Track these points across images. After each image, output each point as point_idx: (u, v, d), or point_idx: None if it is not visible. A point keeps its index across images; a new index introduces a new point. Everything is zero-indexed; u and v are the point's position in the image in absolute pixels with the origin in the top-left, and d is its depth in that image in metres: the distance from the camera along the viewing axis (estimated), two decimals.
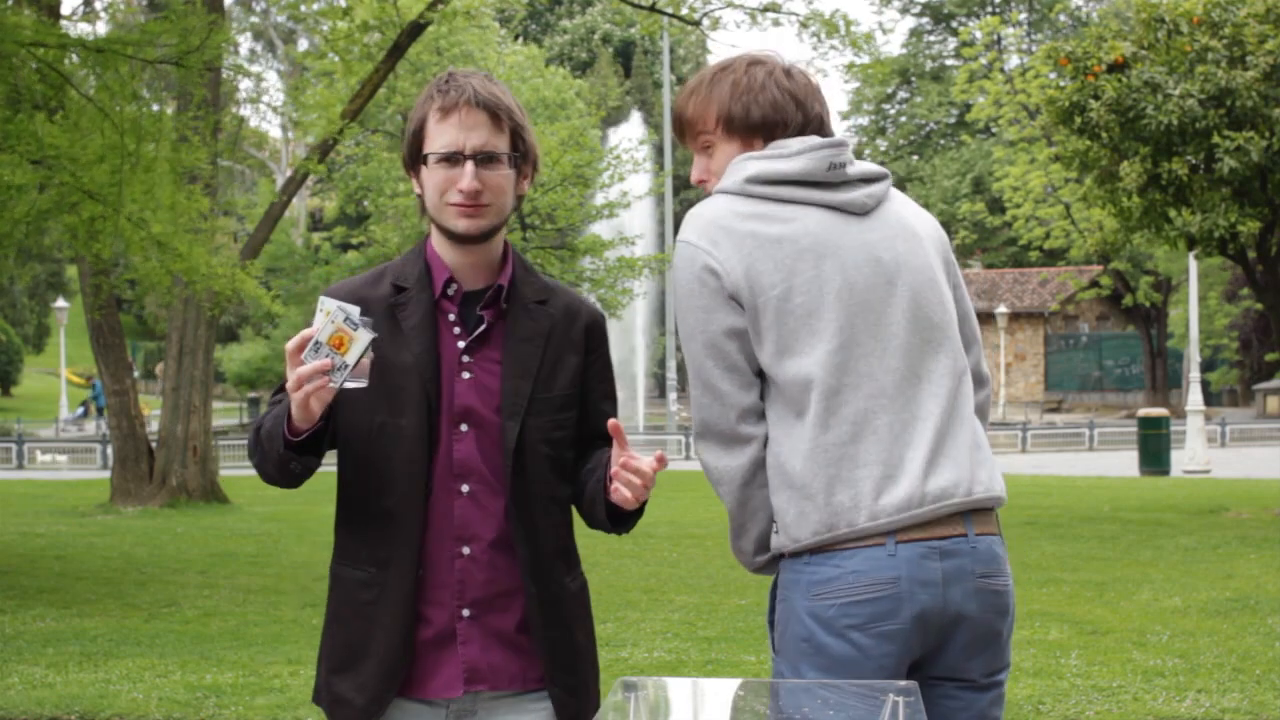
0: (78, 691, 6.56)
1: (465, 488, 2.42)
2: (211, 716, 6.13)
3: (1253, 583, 9.66)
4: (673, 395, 37.43)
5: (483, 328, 2.45)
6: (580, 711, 2.50)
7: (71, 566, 11.41)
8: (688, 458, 31.17)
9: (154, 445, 17.61)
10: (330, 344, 2.20)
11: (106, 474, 20.00)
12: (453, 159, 2.39)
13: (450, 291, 2.46)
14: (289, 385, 2.24)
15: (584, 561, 2.60)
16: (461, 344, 2.44)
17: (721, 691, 2.44)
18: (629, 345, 40.92)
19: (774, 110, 2.53)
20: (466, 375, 2.43)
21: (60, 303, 44.68)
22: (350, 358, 2.21)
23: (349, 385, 2.23)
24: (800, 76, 2.57)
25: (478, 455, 2.42)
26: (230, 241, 17.85)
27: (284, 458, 2.33)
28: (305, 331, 2.22)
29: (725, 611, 8.83)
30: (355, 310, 2.22)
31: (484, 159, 2.39)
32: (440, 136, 2.40)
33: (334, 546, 2.53)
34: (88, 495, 18.54)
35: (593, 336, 2.55)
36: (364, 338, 2.20)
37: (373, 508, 2.44)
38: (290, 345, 2.23)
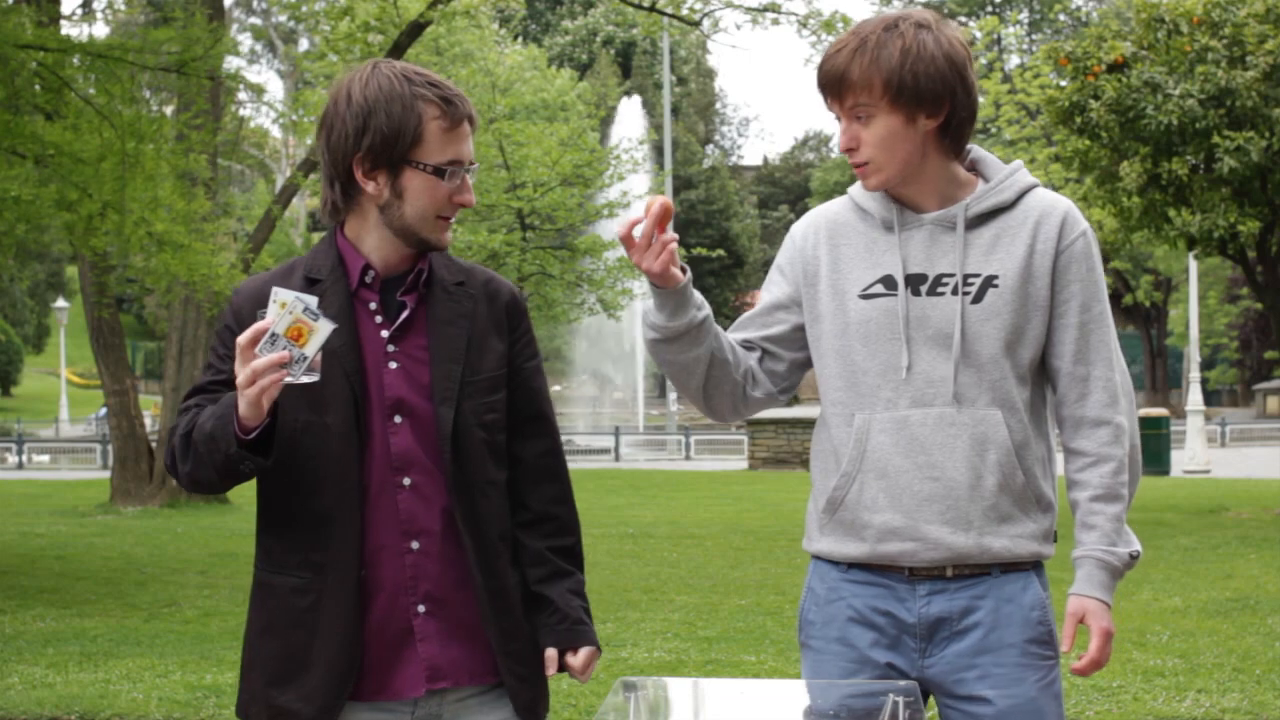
0: (78, 691, 6.55)
1: (406, 480, 2.35)
2: (211, 716, 6.12)
3: (1253, 583, 9.65)
4: (672, 395, 37.39)
5: (406, 313, 2.39)
6: (533, 701, 2.44)
7: (71, 566, 11.41)
8: (688, 458, 31.17)
9: (154, 445, 17.62)
10: (288, 336, 2.15)
11: (106, 474, 20.00)
12: (456, 173, 2.36)
13: (368, 279, 2.39)
14: (240, 381, 2.16)
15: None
16: (385, 333, 2.37)
17: (721, 691, 2.44)
18: (629, 345, 40.90)
19: (942, 84, 2.41)
20: (394, 365, 2.36)
21: (60, 303, 44.71)
22: (310, 349, 2.15)
23: (304, 379, 2.17)
24: (962, 47, 2.46)
25: (416, 446, 2.36)
26: (230, 242, 17.84)
27: (234, 458, 2.23)
28: (259, 324, 2.16)
29: (725, 611, 8.84)
30: (314, 301, 2.16)
31: (471, 171, 2.40)
32: (446, 148, 2.34)
33: (257, 554, 2.44)
34: (88, 495, 18.54)
35: (514, 314, 2.50)
36: (325, 328, 2.16)
37: (303, 511, 2.35)
38: (243, 339, 2.16)
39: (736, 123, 77.64)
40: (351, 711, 2.37)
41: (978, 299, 2.44)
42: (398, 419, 2.35)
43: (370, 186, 2.35)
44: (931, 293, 2.45)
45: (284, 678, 2.37)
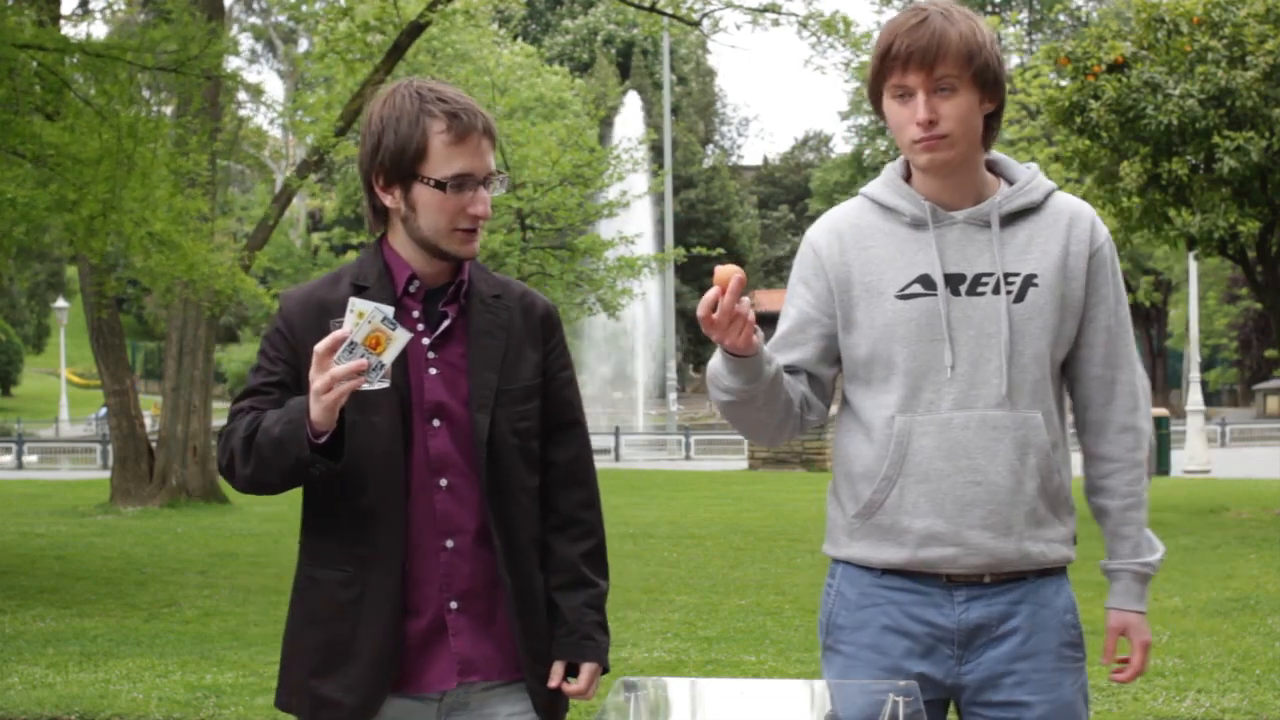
0: (78, 691, 6.56)
1: (443, 481, 2.45)
2: (211, 716, 6.12)
3: (1253, 583, 9.66)
4: (673, 395, 37.37)
5: (447, 323, 2.49)
6: (551, 702, 2.52)
7: (71, 566, 11.41)
8: (688, 458, 31.17)
9: (154, 445, 17.61)
10: (366, 344, 2.24)
11: (106, 474, 20.00)
12: (465, 185, 2.41)
13: (413, 289, 2.49)
14: (318, 387, 2.24)
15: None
16: (426, 340, 2.47)
17: (721, 691, 2.44)
18: (629, 346, 40.90)
19: (1002, 71, 2.41)
20: (434, 371, 2.47)
21: (60, 303, 44.75)
22: (388, 357, 2.25)
23: (378, 385, 2.27)
24: None
25: (453, 449, 2.46)
26: (230, 241, 17.86)
27: (305, 461, 2.31)
28: (337, 333, 2.24)
29: (725, 611, 8.84)
30: (390, 310, 2.25)
31: (486, 182, 2.45)
32: (452, 162, 2.40)
33: (301, 550, 2.53)
34: (88, 495, 18.54)
35: (548, 327, 2.59)
36: (402, 337, 2.25)
37: (348, 507, 2.44)
38: (320, 348, 2.24)
39: (736, 123, 77.68)
40: (385, 703, 2.45)
41: (1019, 298, 2.40)
42: (436, 423, 2.46)
43: (388, 200, 2.46)
44: (971, 292, 2.40)
45: (327, 668, 2.45)
